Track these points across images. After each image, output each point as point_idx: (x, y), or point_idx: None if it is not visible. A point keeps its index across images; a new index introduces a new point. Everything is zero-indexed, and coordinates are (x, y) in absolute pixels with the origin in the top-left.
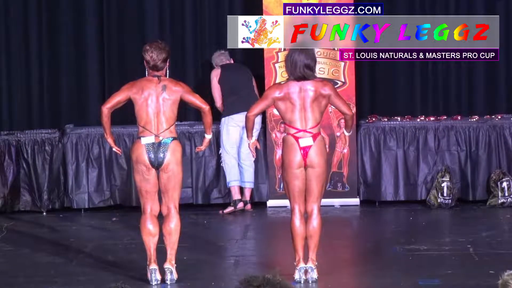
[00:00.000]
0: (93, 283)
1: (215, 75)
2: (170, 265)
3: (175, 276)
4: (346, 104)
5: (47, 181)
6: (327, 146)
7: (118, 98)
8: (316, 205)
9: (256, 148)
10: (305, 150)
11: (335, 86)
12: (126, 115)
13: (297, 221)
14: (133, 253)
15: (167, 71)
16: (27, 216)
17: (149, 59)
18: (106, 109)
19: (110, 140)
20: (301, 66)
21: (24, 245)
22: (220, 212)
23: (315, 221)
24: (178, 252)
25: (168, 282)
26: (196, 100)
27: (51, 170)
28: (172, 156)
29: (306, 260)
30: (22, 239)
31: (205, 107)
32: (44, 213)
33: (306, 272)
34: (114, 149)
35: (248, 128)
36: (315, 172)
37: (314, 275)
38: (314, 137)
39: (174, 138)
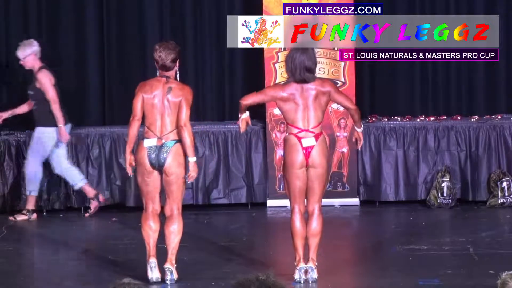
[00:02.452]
0: (93, 283)
1: (50, 78)
2: (170, 265)
3: (175, 276)
4: (348, 98)
5: (47, 181)
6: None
7: (139, 104)
8: (317, 205)
9: (247, 124)
10: (307, 150)
11: None
12: (128, 116)
13: (297, 221)
14: (133, 253)
15: (177, 73)
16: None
17: (157, 58)
18: (137, 121)
19: (128, 157)
20: (301, 69)
21: (24, 245)
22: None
23: (316, 221)
24: (178, 252)
25: (168, 282)
26: (182, 113)
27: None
28: (174, 159)
29: (306, 260)
30: (22, 239)
31: (182, 125)
32: (44, 213)
33: (306, 272)
34: (127, 169)
35: (240, 110)
36: (316, 172)
37: (314, 275)
38: (316, 137)
39: (177, 141)
